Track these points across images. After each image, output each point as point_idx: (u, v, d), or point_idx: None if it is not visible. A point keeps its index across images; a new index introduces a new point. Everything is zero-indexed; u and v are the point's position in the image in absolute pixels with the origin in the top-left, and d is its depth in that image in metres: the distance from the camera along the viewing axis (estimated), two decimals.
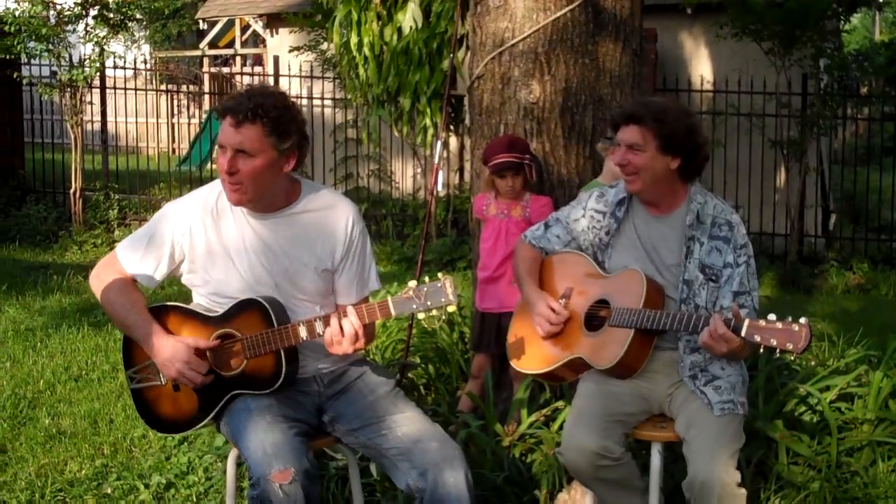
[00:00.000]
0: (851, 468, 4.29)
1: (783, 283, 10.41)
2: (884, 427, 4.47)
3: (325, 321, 3.32)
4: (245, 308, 3.39)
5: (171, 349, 3.35)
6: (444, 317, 3.44)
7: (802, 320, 3.23)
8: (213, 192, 3.48)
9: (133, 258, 3.46)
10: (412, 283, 3.30)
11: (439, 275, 3.35)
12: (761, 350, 3.31)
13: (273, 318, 3.34)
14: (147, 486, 4.64)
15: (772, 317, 3.28)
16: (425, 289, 3.26)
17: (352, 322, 3.29)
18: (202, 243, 3.43)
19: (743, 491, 3.37)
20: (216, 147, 3.35)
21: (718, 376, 3.58)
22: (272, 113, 3.27)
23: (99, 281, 3.48)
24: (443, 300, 3.25)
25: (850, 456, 4.35)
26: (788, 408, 4.46)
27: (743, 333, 3.30)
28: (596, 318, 3.69)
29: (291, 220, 3.46)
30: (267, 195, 3.38)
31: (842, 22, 12.42)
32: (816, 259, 11.16)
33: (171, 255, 3.45)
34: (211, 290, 3.46)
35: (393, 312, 3.30)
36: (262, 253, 3.43)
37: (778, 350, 3.25)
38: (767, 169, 11.55)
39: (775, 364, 4.72)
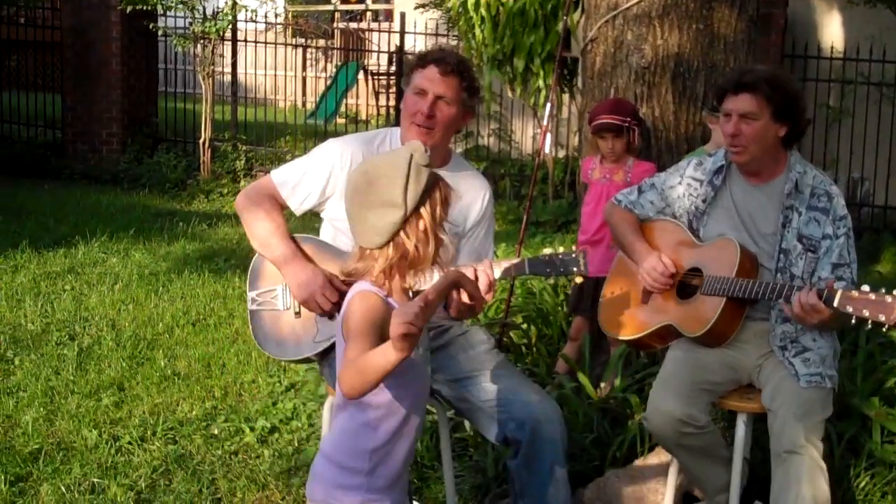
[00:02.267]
0: None
1: None
2: None
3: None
4: None
5: (309, 273, 3.50)
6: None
7: None
8: (378, 136, 3.71)
9: (287, 185, 3.64)
10: (548, 250, 3.43)
11: (573, 247, 3.44)
12: (853, 321, 3.28)
13: None
14: (252, 430, 4.82)
15: (865, 287, 3.25)
16: (561, 256, 3.40)
17: (487, 273, 3.39)
18: None
19: (823, 465, 3.36)
20: (411, 93, 3.58)
21: (809, 348, 3.56)
22: (468, 72, 3.64)
23: (247, 199, 3.64)
24: (574, 269, 3.38)
25: None
26: (888, 385, 4.38)
27: (835, 304, 3.26)
28: (689, 287, 3.70)
29: None
30: (440, 148, 3.59)
31: None
32: None
33: (322, 190, 3.62)
34: None
35: (527, 271, 3.44)
36: None
37: (870, 321, 3.21)
38: None
39: (877, 342, 4.65)
